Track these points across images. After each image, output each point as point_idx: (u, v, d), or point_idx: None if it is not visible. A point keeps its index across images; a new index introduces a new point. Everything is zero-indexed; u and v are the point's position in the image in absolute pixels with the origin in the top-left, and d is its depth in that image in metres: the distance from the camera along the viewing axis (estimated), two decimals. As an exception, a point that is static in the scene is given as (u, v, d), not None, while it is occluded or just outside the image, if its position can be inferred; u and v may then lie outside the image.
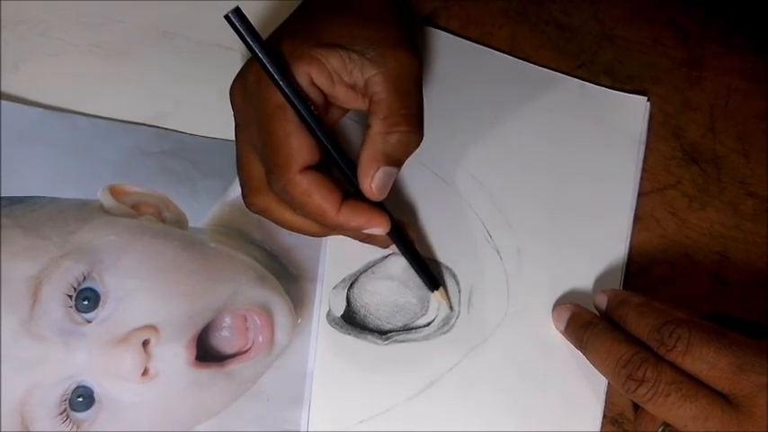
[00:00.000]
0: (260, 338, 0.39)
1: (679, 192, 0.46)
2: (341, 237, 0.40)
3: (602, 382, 0.41)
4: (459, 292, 0.42)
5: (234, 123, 0.38)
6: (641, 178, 0.46)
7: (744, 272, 0.45)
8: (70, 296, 0.37)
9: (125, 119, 0.42)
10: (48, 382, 0.36)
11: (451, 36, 0.47)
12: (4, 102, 0.40)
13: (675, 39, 0.49)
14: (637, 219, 0.45)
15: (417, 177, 0.44)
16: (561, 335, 0.42)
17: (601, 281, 0.43)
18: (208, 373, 0.38)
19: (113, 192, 0.41)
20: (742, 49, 0.49)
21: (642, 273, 0.45)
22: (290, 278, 0.41)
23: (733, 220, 0.46)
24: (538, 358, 0.42)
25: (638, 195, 0.46)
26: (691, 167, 0.47)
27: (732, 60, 0.49)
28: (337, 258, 0.42)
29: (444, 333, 0.41)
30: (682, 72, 0.49)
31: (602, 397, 0.42)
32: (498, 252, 0.43)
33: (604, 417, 0.42)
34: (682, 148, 0.47)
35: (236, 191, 0.41)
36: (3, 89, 0.41)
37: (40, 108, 0.41)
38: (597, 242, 0.44)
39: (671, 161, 0.47)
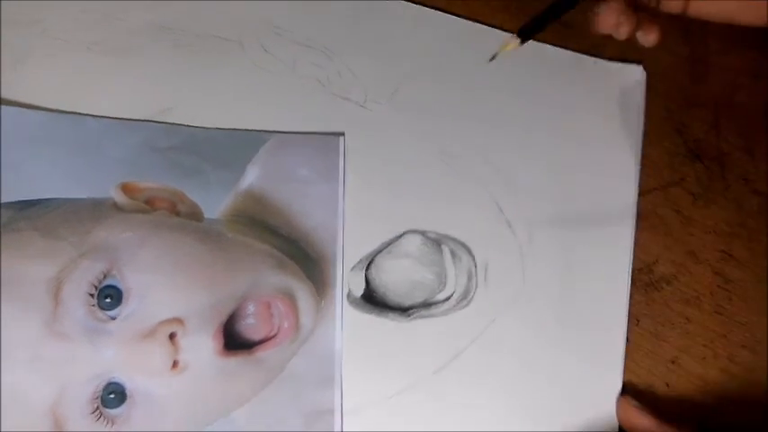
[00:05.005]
0: (285, 324, 0.39)
1: (683, 189, 0.46)
2: (356, 217, 0.42)
3: (618, 342, 0.42)
4: (476, 266, 0.43)
5: None
6: (645, 175, 0.46)
7: (748, 270, 0.45)
8: (92, 295, 0.37)
9: (130, 116, 0.42)
10: (78, 380, 0.36)
11: (448, 15, 0.47)
12: (6, 107, 0.40)
13: (678, 34, 0.48)
14: (641, 216, 0.45)
15: (424, 156, 0.44)
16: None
17: (611, 244, 0.44)
18: (237, 361, 0.38)
19: (125, 189, 0.40)
20: (746, 45, 0.49)
21: (646, 271, 0.45)
22: (309, 262, 0.41)
23: (737, 218, 0.46)
24: (556, 324, 0.43)
25: (642, 193, 0.46)
26: (695, 164, 0.46)
27: (736, 56, 0.48)
28: (353, 240, 0.42)
29: (464, 307, 0.42)
30: (685, 68, 0.48)
31: (621, 354, 0.43)
32: (510, 225, 0.44)
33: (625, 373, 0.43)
34: (685, 144, 0.47)
35: (247, 180, 0.42)
36: (3, 90, 0.40)
37: (43, 111, 0.41)
38: (604, 207, 0.45)
39: (675, 158, 0.47)
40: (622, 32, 0.39)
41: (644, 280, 0.44)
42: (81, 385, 0.36)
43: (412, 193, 0.44)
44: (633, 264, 0.45)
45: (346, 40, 0.46)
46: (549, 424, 0.42)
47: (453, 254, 0.43)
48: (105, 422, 0.36)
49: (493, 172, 0.45)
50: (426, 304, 0.42)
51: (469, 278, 0.43)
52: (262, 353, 0.39)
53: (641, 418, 0.41)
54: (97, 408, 0.36)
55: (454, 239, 0.43)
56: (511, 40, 0.38)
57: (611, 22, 0.39)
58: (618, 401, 0.42)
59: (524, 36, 0.38)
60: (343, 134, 0.44)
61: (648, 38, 0.41)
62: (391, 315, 0.41)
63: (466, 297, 0.42)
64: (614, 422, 0.42)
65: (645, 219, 0.45)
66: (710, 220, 0.46)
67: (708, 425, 0.43)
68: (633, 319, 0.44)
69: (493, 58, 0.38)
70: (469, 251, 0.43)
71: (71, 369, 0.36)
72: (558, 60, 0.47)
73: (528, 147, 0.46)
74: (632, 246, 0.45)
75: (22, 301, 0.36)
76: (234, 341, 0.38)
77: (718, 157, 0.47)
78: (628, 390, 0.43)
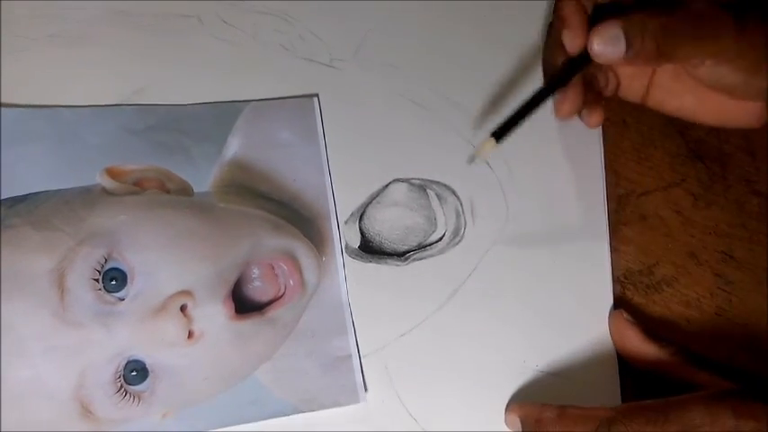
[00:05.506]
0: (291, 282, 0.40)
1: (684, 190, 0.46)
2: (341, 173, 0.43)
3: (604, 254, 0.45)
4: (462, 204, 0.45)
5: None
6: (646, 176, 0.46)
7: (748, 272, 0.45)
8: (96, 280, 0.37)
9: (103, 102, 0.42)
10: (96, 363, 0.37)
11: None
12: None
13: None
14: (641, 217, 0.46)
15: (396, 107, 0.46)
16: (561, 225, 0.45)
17: (583, 166, 0.46)
18: (250, 324, 0.39)
19: (111, 173, 0.41)
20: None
21: (646, 272, 0.45)
22: (304, 221, 0.42)
23: (738, 219, 0.46)
24: (544, 248, 0.45)
25: (643, 194, 0.46)
26: (696, 165, 0.46)
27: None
28: (342, 195, 0.43)
29: (456, 244, 0.44)
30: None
31: (608, 268, 0.45)
32: (488, 164, 0.46)
33: (614, 282, 0.45)
34: (687, 145, 0.47)
35: (230, 150, 0.42)
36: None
37: (17, 107, 0.40)
38: (574, 133, 0.47)
39: (676, 159, 0.47)
40: (567, 110, 0.42)
41: (644, 282, 0.45)
42: (100, 367, 0.37)
43: (391, 143, 0.45)
44: (633, 266, 0.45)
45: (303, 3, 0.47)
46: (548, 345, 0.44)
47: (439, 196, 0.44)
48: (131, 400, 0.37)
49: (464, 117, 0.46)
50: (421, 246, 0.43)
51: (458, 216, 0.44)
52: (273, 312, 0.40)
53: (631, 332, 0.43)
54: (121, 387, 0.37)
55: (438, 183, 0.45)
56: (487, 143, 0.39)
57: (569, 109, 0.42)
58: (610, 315, 0.44)
59: (499, 137, 0.39)
60: (316, 95, 0.45)
61: (591, 119, 0.43)
62: (390, 261, 0.43)
63: (457, 234, 0.44)
64: (609, 340, 0.44)
65: (645, 220, 0.45)
66: (711, 221, 0.45)
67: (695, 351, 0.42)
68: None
69: (472, 160, 0.40)
70: (453, 192, 0.45)
71: (88, 353, 0.37)
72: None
73: (495, 91, 0.47)
74: (603, 164, 0.47)
75: (28, 295, 0.37)
76: (244, 305, 0.39)
77: (719, 157, 0.47)
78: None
